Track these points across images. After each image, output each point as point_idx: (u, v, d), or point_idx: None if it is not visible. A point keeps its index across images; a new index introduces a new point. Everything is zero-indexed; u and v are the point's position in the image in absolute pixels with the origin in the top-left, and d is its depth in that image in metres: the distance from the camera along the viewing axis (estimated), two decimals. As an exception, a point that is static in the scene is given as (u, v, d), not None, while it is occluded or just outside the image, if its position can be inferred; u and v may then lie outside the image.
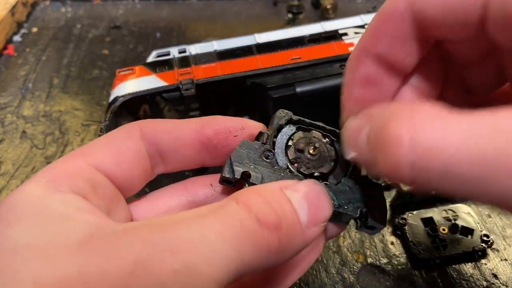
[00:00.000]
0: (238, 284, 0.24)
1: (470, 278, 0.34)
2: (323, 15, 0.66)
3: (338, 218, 0.24)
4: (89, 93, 0.54)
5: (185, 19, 0.69)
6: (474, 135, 0.15)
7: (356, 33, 0.42)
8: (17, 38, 0.64)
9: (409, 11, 0.19)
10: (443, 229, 0.36)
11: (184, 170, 0.26)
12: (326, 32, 0.43)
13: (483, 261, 0.35)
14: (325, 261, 0.35)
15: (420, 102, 0.20)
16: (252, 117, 0.45)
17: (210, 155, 0.25)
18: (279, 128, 0.27)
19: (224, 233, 0.17)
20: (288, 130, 0.27)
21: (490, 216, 0.38)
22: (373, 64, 0.21)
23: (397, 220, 0.37)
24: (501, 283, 0.33)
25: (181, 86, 0.39)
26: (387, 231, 0.37)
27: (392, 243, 0.37)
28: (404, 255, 0.36)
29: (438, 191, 0.16)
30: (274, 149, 0.26)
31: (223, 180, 0.24)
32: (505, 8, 0.17)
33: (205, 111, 0.46)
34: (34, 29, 0.66)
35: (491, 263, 0.35)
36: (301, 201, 0.21)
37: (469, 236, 0.36)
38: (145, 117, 0.46)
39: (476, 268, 0.35)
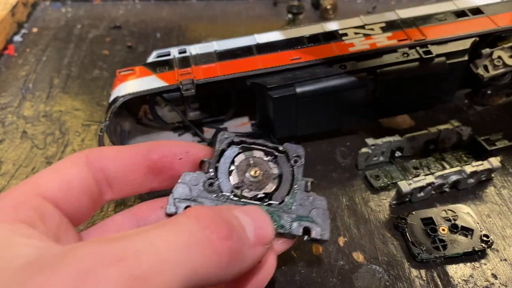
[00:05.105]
0: None
1: (470, 278, 0.34)
2: (323, 16, 0.66)
3: (284, 235, 0.25)
4: (89, 93, 0.54)
5: (185, 19, 0.69)
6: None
7: (356, 33, 0.42)
8: (17, 38, 0.64)
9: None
10: (443, 229, 0.36)
11: (133, 195, 0.27)
12: (326, 33, 0.43)
13: (482, 261, 0.35)
14: (324, 261, 0.35)
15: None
16: (252, 117, 0.46)
17: (157, 179, 0.26)
18: (221, 153, 0.27)
19: (172, 241, 0.17)
20: (231, 152, 0.27)
21: (489, 216, 0.38)
22: None
23: (396, 220, 0.37)
24: (500, 283, 0.33)
25: (181, 86, 0.39)
26: (387, 231, 0.37)
27: (392, 243, 0.37)
28: (404, 255, 0.36)
29: None
30: (217, 176, 0.26)
31: (168, 216, 0.24)
32: None
33: (205, 111, 0.46)
34: (35, 29, 0.67)
35: (491, 263, 0.35)
36: (247, 220, 0.21)
37: (469, 236, 0.36)
38: (145, 117, 0.46)
39: (476, 268, 0.35)
